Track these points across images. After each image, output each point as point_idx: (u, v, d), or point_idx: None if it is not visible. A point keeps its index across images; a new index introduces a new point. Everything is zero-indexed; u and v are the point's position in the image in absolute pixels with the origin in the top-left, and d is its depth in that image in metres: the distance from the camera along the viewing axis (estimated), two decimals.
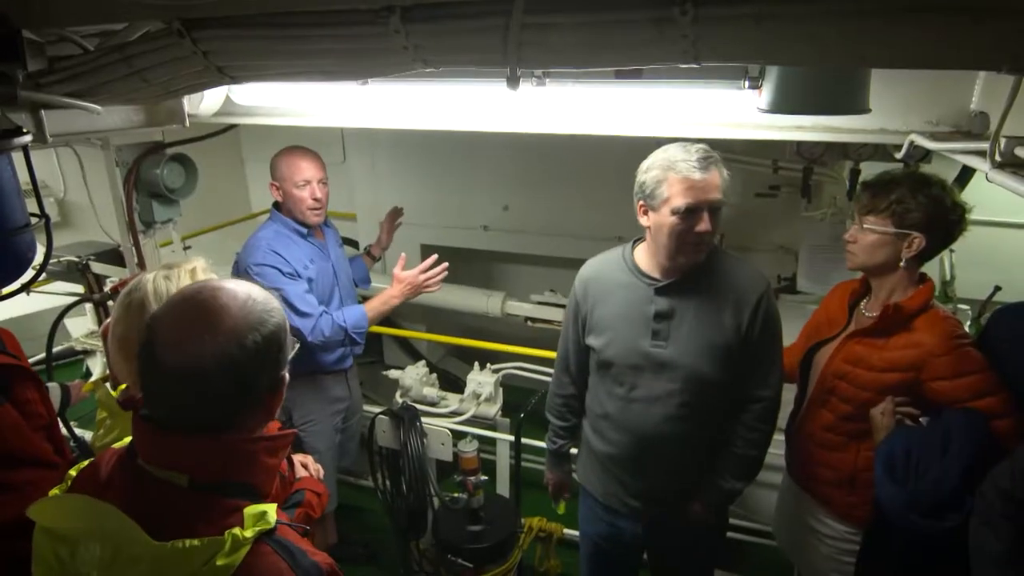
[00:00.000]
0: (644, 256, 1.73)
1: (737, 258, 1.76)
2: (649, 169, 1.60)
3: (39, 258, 1.20)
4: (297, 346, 1.07)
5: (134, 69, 1.08)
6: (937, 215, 1.58)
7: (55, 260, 2.87)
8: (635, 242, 1.78)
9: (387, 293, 2.39)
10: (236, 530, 0.88)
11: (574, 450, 2.10)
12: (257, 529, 0.90)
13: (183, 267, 1.29)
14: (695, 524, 1.82)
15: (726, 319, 1.64)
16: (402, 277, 2.37)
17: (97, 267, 3.01)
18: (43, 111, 1.11)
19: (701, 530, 1.87)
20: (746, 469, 1.78)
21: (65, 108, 1.08)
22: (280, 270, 2.27)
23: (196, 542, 0.86)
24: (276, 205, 2.45)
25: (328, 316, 2.30)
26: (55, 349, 2.86)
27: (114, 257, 3.01)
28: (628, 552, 1.97)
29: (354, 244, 4.10)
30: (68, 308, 2.64)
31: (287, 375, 1.02)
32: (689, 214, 1.54)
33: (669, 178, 1.55)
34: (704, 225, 1.55)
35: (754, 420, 1.73)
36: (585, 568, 2.11)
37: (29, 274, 1.06)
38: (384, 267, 3.73)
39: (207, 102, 2.07)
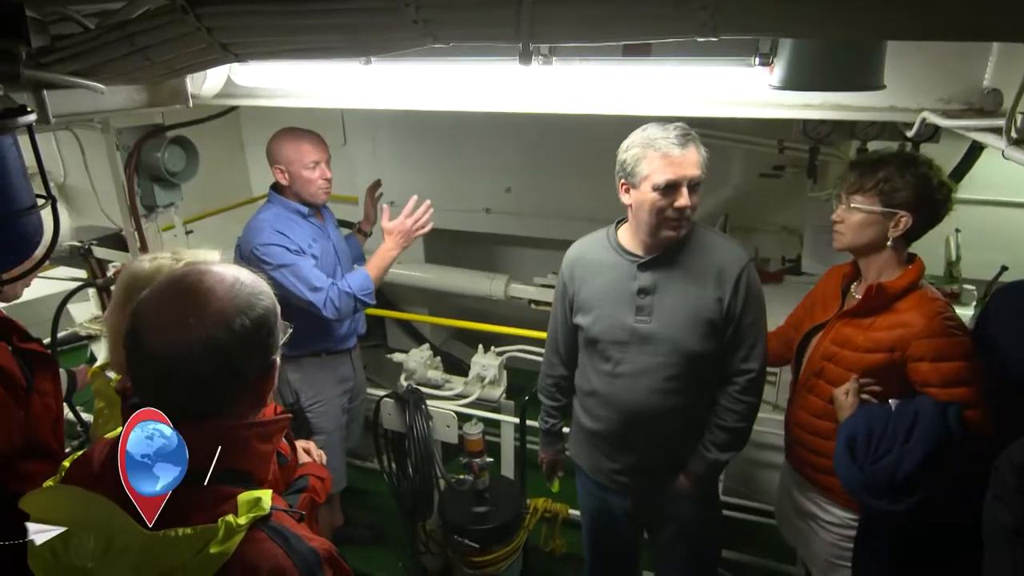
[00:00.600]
0: (627, 234, 1.79)
1: (718, 233, 1.82)
2: (629, 148, 1.66)
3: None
4: (290, 331, 1.05)
5: (136, 47, 1.06)
6: (924, 194, 1.59)
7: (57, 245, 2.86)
8: (619, 222, 1.84)
9: (383, 248, 2.39)
10: (230, 517, 0.88)
11: (567, 429, 2.13)
12: (251, 516, 0.89)
13: (194, 257, 1.28)
14: (685, 495, 1.87)
15: (708, 292, 1.69)
16: (391, 228, 2.37)
17: (100, 252, 2.99)
18: (45, 91, 1.09)
19: (694, 506, 1.90)
20: (730, 441, 1.81)
21: (68, 87, 1.07)
22: (287, 248, 2.26)
23: (188, 530, 0.86)
24: (275, 188, 2.44)
25: (335, 287, 2.30)
26: (59, 334, 2.85)
27: (116, 242, 3.00)
28: (621, 527, 2.01)
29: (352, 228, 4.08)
30: (71, 293, 2.63)
31: (278, 360, 1.00)
32: (669, 190, 1.60)
33: (648, 155, 1.61)
34: (683, 200, 1.61)
35: (739, 392, 1.77)
36: (586, 542, 2.18)
37: (40, 254, 1.05)
38: (377, 243, 3.73)
39: (210, 82, 2.05)
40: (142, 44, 1.08)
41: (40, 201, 1.05)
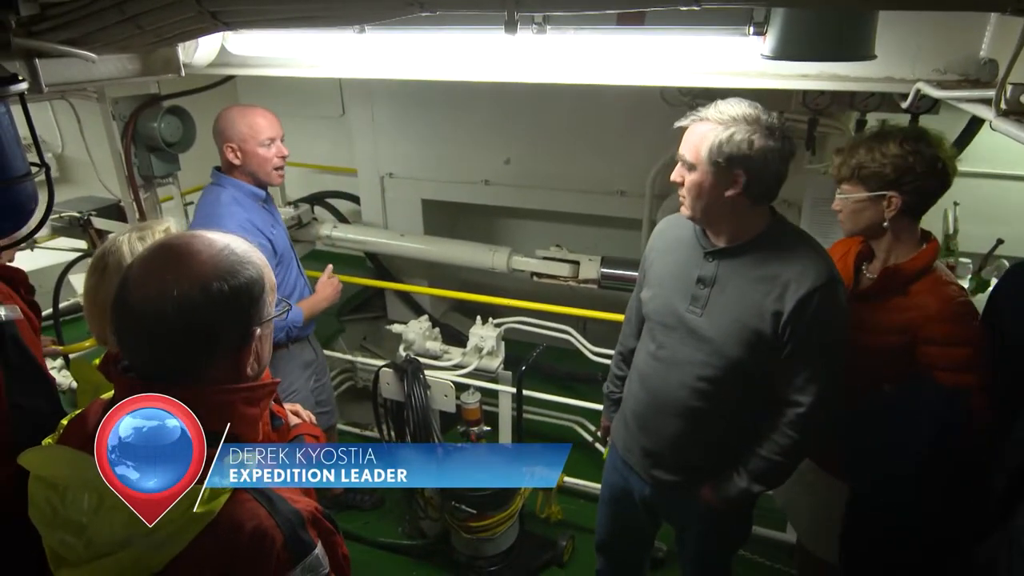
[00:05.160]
0: None
1: (807, 241, 1.56)
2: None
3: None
4: (288, 308, 1.05)
5: (127, 15, 1.06)
6: (903, 169, 1.54)
7: (56, 216, 2.87)
8: None
9: (318, 297, 2.48)
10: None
11: None
12: None
13: (156, 227, 1.30)
14: (707, 505, 1.71)
15: (768, 303, 1.49)
16: (324, 282, 2.49)
17: (99, 222, 3.00)
18: (37, 60, 1.09)
19: (718, 518, 1.75)
20: (764, 472, 1.63)
21: (59, 56, 1.07)
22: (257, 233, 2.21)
23: None
24: (224, 169, 2.30)
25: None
26: (61, 305, 2.89)
27: (115, 212, 3.01)
28: (637, 511, 1.90)
29: (355, 200, 4.08)
30: (71, 264, 2.65)
31: (259, 331, 0.98)
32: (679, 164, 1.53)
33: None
34: (674, 174, 1.54)
35: (784, 424, 1.57)
36: (600, 514, 2.08)
37: (35, 221, 1.07)
38: None
39: (202, 51, 2.03)
40: (132, 12, 1.09)
41: (34, 169, 1.06)
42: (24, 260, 3.20)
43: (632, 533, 2.03)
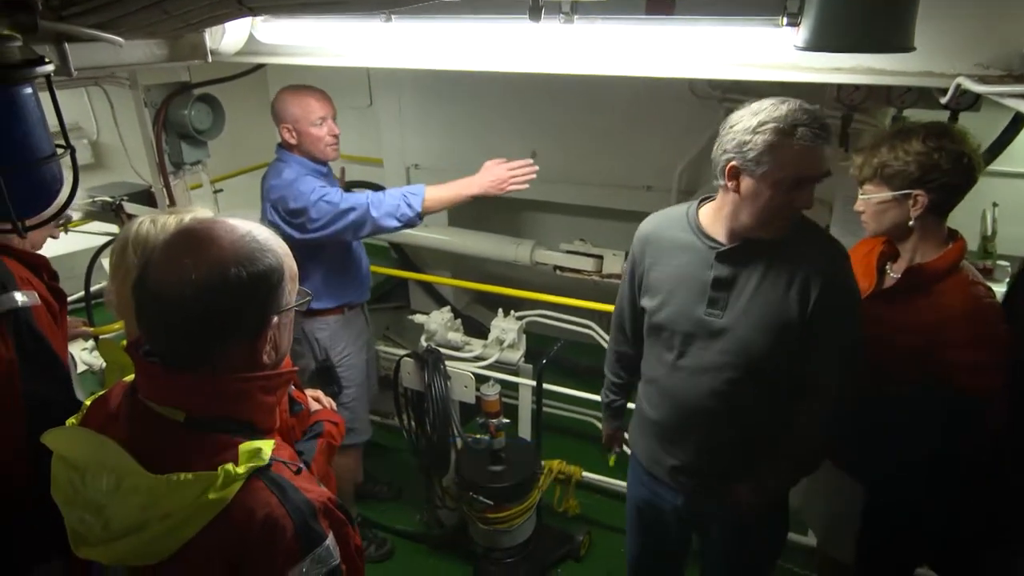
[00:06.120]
0: (710, 216, 1.58)
1: (815, 226, 1.59)
2: (759, 129, 1.38)
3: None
4: (309, 298, 1.05)
5: (153, 0, 1.07)
6: (928, 167, 1.49)
7: (90, 200, 2.93)
8: (702, 200, 1.64)
9: (463, 180, 2.28)
10: (229, 466, 0.90)
11: (632, 404, 1.98)
12: (250, 465, 0.92)
13: (182, 214, 1.32)
14: (743, 507, 1.67)
15: (792, 294, 1.48)
16: (488, 164, 2.28)
17: (130, 207, 3.06)
18: (67, 44, 1.11)
19: (751, 516, 1.70)
20: (799, 461, 1.63)
21: (87, 40, 1.08)
22: (323, 186, 2.27)
23: (189, 476, 0.89)
24: (285, 147, 2.39)
25: (381, 192, 2.29)
26: (92, 288, 2.95)
27: (146, 198, 3.06)
28: (669, 523, 1.83)
29: (381, 190, 4.09)
30: (103, 247, 2.71)
31: (277, 320, 0.98)
32: (797, 186, 1.41)
33: (784, 144, 1.36)
34: (808, 199, 1.43)
35: (808, 410, 1.58)
36: (629, 535, 2.01)
37: (60, 202, 1.09)
38: None
39: (229, 38, 2.04)
40: None
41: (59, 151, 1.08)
42: (58, 243, 3.29)
43: (666, 550, 1.94)
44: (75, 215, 2.95)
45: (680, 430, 1.67)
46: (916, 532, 1.64)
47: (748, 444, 1.64)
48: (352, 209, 2.22)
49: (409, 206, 2.24)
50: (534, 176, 2.29)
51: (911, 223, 1.56)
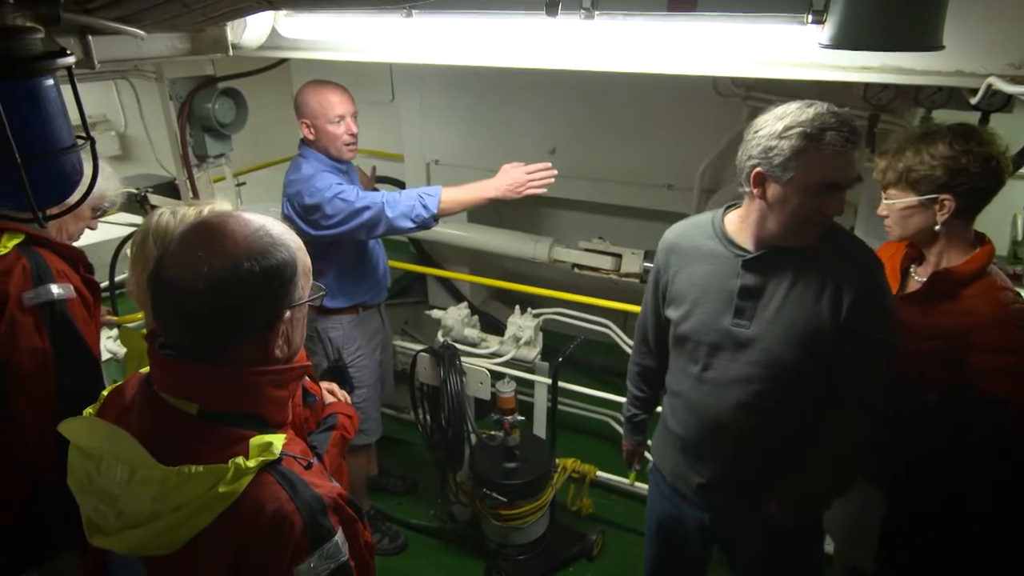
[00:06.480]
0: (736, 224, 1.53)
1: (846, 232, 1.53)
2: (785, 134, 1.33)
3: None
4: (323, 293, 1.06)
5: None
6: (955, 170, 1.45)
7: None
8: (728, 207, 1.59)
9: (481, 182, 2.25)
10: (240, 459, 0.91)
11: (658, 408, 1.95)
12: (261, 459, 0.92)
13: (201, 206, 1.33)
14: (774, 522, 1.62)
15: (823, 302, 1.43)
16: (506, 168, 2.25)
17: (155, 199, 3.11)
18: (91, 37, 1.12)
19: (781, 531, 1.64)
20: (831, 474, 1.56)
21: (109, 33, 1.10)
22: (340, 183, 2.26)
23: (200, 469, 0.89)
24: (306, 143, 2.39)
25: (396, 192, 2.27)
26: (117, 278, 3.00)
27: (171, 190, 3.10)
28: (692, 538, 1.78)
29: (401, 185, 4.11)
30: (127, 238, 2.75)
31: (289, 314, 0.98)
32: (826, 192, 1.36)
33: (812, 149, 1.31)
34: (839, 206, 1.38)
35: (841, 423, 1.53)
36: (649, 549, 1.95)
37: (80, 192, 1.11)
38: None
39: (251, 32, 2.06)
40: None
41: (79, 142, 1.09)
42: (85, 234, 3.34)
43: (687, 564, 1.89)
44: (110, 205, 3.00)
45: (707, 445, 1.62)
46: (938, 541, 1.60)
47: (778, 459, 1.58)
48: (367, 208, 2.20)
49: (425, 207, 2.22)
50: (552, 180, 2.25)
51: (937, 228, 1.52)
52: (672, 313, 1.61)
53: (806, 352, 1.45)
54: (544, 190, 2.25)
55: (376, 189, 2.83)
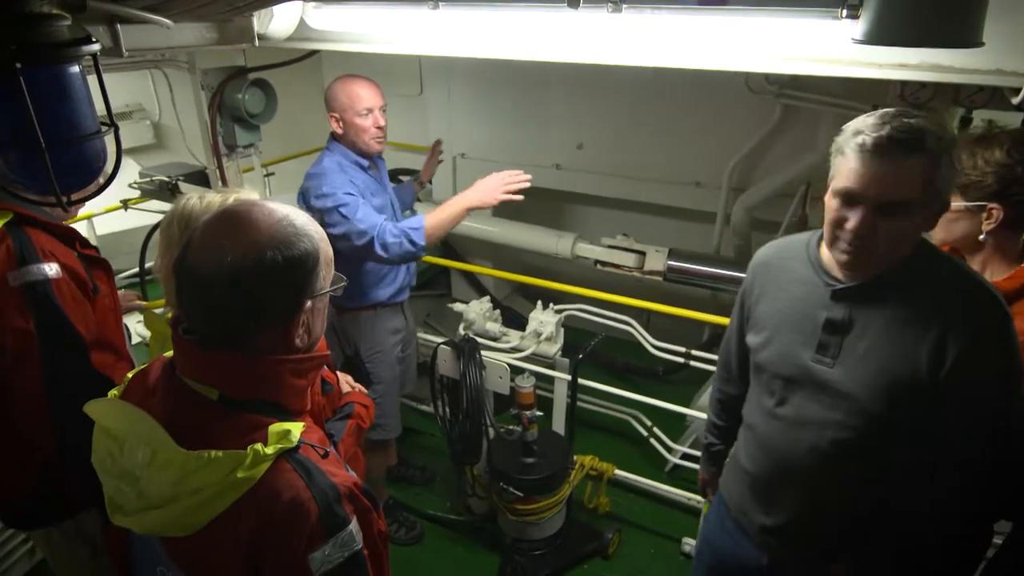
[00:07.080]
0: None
1: (964, 269, 1.30)
2: (842, 133, 1.24)
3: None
4: (344, 283, 1.06)
5: None
6: (1009, 179, 1.37)
7: (147, 180, 3.04)
8: None
9: (459, 195, 2.26)
10: (258, 446, 0.91)
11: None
12: (279, 447, 0.93)
13: (228, 194, 1.34)
14: None
15: (923, 348, 1.22)
16: (479, 181, 2.26)
17: (185, 187, 3.16)
18: (119, 26, 1.14)
19: None
20: (919, 555, 1.35)
21: (137, 22, 1.11)
22: (349, 192, 2.26)
23: (219, 454, 0.90)
24: (334, 137, 2.40)
25: (389, 223, 2.25)
26: (147, 264, 3.07)
27: (201, 179, 3.15)
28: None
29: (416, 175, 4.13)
30: (157, 225, 2.79)
31: (311, 304, 0.99)
32: (846, 204, 1.22)
33: (845, 151, 1.21)
34: (853, 223, 1.20)
35: (936, 494, 1.31)
36: (696, 572, 1.81)
37: (104, 177, 1.13)
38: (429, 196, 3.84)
39: (279, 23, 2.07)
40: None
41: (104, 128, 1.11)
42: (117, 220, 3.41)
43: None
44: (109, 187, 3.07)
45: (774, 487, 1.48)
46: None
47: (852, 519, 1.41)
48: (362, 233, 2.19)
49: (412, 243, 2.21)
50: (527, 185, 2.24)
51: (981, 237, 1.46)
52: (752, 339, 1.48)
53: (895, 403, 1.25)
54: (520, 197, 2.24)
55: (441, 161, 2.85)
